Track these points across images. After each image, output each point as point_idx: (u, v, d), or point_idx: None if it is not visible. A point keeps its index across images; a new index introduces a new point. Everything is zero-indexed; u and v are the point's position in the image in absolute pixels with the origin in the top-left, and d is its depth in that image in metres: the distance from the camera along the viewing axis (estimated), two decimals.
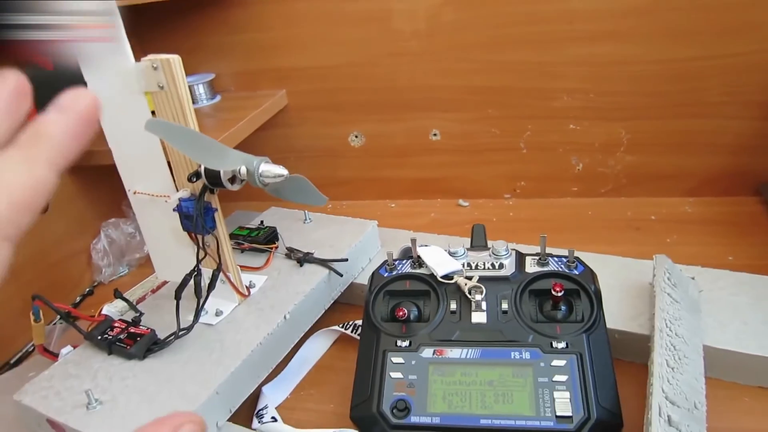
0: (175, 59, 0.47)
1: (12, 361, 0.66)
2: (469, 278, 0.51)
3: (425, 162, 0.87)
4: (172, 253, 0.56)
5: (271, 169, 0.47)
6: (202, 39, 0.86)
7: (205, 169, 0.49)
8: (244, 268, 0.62)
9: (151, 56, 0.47)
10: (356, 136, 0.88)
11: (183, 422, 0.23)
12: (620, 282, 0.59)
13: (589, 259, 0.59)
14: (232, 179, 0.49)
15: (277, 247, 0.65)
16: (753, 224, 0.74)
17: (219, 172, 0.48)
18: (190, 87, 0.84)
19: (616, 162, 0.81)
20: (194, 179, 0.49)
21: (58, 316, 0.61)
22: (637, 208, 0.80)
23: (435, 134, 0.85)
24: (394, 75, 0.82)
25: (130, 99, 0.50)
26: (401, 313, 0.50)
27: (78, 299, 0.76)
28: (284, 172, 0.47)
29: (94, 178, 0.78)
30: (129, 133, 0.51)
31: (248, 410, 0.52)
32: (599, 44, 0.74)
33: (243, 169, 0.47)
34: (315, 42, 0.82)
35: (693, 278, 0.58)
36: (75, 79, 0.64)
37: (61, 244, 0.75)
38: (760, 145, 0.75)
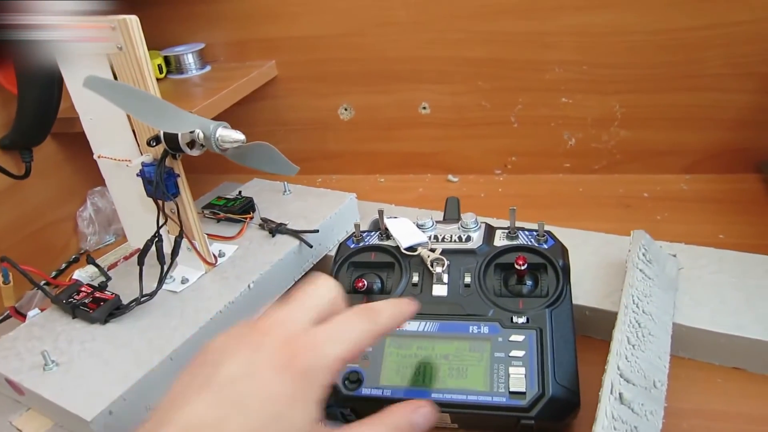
0: (133, 20, 0.46)
1: None
2: (433, 251, 0.50)
3: (415, 135, 0.85)
4: (140, 219, 0.56)
5: (229, 134, 0.46)
6: (192, 7, 0.85)
7: (164, 133, 0.48)
8: (216, 237, 0.61)
9: (109, 17, 0.47)
10: (345, 109, 0.86)
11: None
12: (599, 258, 0.57)
13: (571, 235, 0.57)
14: (191, 144, 0.48)
15: (252, 218, 0.64)
16: (751, 202, 0.71)
17: (177, 135, 0.47)
18: (179, 56, 0.84)
19: (609, 137, 0.78)
20: (154, 143, 0.48)
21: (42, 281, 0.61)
22: (630, 185, 0.77)
23: (424, 107, 0.83)
24: (382, 45, 0.80)
25: (94, 60, 0.49)
26: (360, 284, 0.49)
27: (63, 266, 0.77)
28: (241, 137, 0.46)
29: (80, 144, 0.77)
30: (93, 96, 0.50)
31: None
32: (594, 13, 0.71)
33: (200, 134, 0.47)
34: (304, 11, 0.81)
35: (674, 255, 0.55)
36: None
37: (46, 211, 0.75)
38: (762, 120, 0.71)
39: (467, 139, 0.83)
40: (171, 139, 0.48)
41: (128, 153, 0.52)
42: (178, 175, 0.51)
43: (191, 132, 0.47)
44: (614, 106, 0.76)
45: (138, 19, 0.46)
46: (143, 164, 0.51)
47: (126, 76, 0.48)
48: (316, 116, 0.88)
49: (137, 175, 0.51)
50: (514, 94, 0.78)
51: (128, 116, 0.51)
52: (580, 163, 0.80)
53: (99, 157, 0.53)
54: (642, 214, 0.71)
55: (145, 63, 0.47)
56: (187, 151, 0.48)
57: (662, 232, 0.59)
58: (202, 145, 0.48)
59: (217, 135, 0.46)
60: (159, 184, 0.49)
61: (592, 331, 0.52)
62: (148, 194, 0.52)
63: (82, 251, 0.79)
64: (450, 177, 0.85)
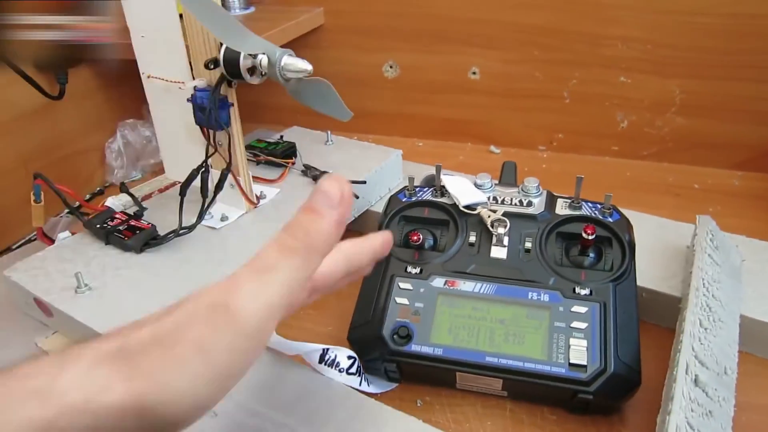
0: None
1: (14, 247, 0.64)
2: (494, 211, 0.47)
3: (460, 101, 0.82)
4: (183, 149, 0.53)
5: (294, 63, 0.43)
6: None
7: (224, 56, 0.45)
8: (257, 179, 0.59)
9: None
10: (391, 67, 0.83)
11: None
12: (655, 241, 0.54)
13: (625, 214, 0.54)
14: (252, 70, 0.45)
15: (293, 163, 0.61)
16: None
17: (238, 59, 0.44)
18: None
19: (664, 123, 0.75)
20: (212, 66, 0.45)
21: (65, 210, 0.59)
22: (680, 174, 0.74)
23: (474, 72, 0.79)
24: (437, 2, 0.76)
25: None
26: (415, 238, 0.46)
27: (87, 197, 0.74)
28: (308, 67, 0.43)
29: (115, 73, 0.74)
30: (148, 10, 0.47)
31: None
32: None
33: (264, 60, 0.44)
34: None
35: (737, 246, 0.53)
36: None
37: (75, 138, 0.72)
38: None
39: (514, 111, 0.80)
40: (231, 63, 0.45)
41: (180, 75, 0.49)
42: (232, 104, 0.48)
43: (254, 57, 0.44)
44: (674, 90, 0.72)
45: None
46: (196, 89, 0.48)
47: None
48: (359, 71, 0.84)
49: (188, 100, 0.48)
50: (570, 67, 0.75)
51: (184, 36, 0.48)
52: (629, 148, 0.77)
53: (148, 77, 0.50)
54: (693, 205, 0.68)
55: None
56: (247, 78, 0.45)
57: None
58: (263, 73, 0.45)
59: (282, 62, 0.43)
60: (212, 112, 0.46)
61: (647, 315, 0.49)
62: (197, 122, 0.49)
63: (108, 184, 0.76)
64: (492, 148, 0.82)
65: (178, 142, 0.53)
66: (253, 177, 0.58)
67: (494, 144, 0.83)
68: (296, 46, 0.81)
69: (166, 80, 0.49)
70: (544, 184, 0.53)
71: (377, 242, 0.35)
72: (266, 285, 0.24)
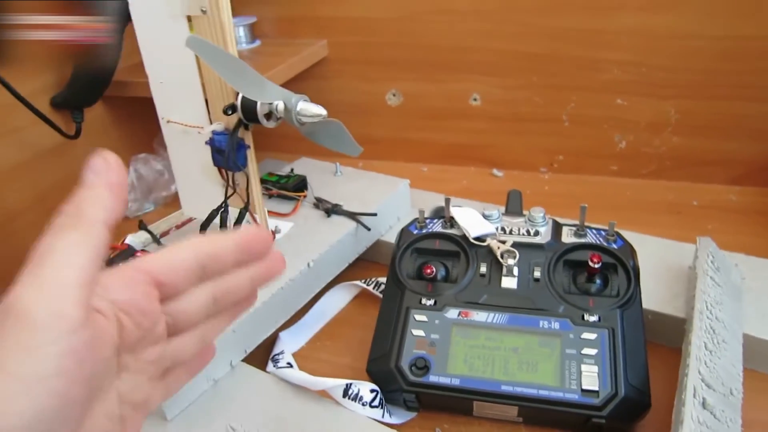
0: None
1: None
2: (503, 242, 0.49)
3: (462, 127, 0.84)
4: (200, 189, 0.55)
5: (309, 108, 0.46)
6: None
7: (242, 102, 0.47)
8: (270, 213, 0.61)
9: None
10: (394, 95, 0.85)
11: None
12: (658, 262, 0.56)
13: (627, 237, 0.56)
14: (268, 115, 0.47)
15: (305, 196, 0.63)
16: None
17: (255, 105, 0.46)
18: None
19: (661, 143, 0.77)
20: (230, 112, 0.47)
21: None
22: (678, 192, 0.76)
23: (475, 99, 0.82)
24: (438, 33, 0.79)
25: (171, 22, 0.48)
26: (429, 271, 0.48)
27: None
28: (323, 111, 0.45)
29: (128, 109, 0.77)
30: (167, 58, 0.50)
31: (264, 353, 0.52)
32: (657, 14, 0.70)
33: (280, 105, 0.46)
34: None
35: (736, 265, 0.55)
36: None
37: None
38: None
39: (515, 135, 0.82)
40: (248, 109, 0.47)
41: (198, 119, 0.51)
42: (248, 147, 0.50)
43: (270, 103, 0.46)
44: (669, 111, 0.75)
45: None
46: (214, 133, 0.50)
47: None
48: (363, 100, 0.87)
49: (206, 143, 0.50)
50: (568, 92, 0.77)
51: (202, 82, 0.50)
52: (628, 167, 0.80)
53: (168, 122, 0.52)
54: (692, 222, 0.70)
55: (229, 29, 0.46)
56: (264, 122, 0.47)
57: (715, 242, 0.59)
58: (279, 117, 0.47)
59: (298, 108, 0.45)
60: (230, 154, 0.48)
61: (653, 336, 0.51)
62: (216, 164, 0.51)
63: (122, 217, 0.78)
64: (495, 171, 0.84)
65: (195, 181, 0.55)
66: (267, 212, 0.60)
67: (496, 167, 0.85)
68: (302, 77, 0.84)
69: (185, 125, 0.51)
70: (547, 206, 0.55)
71: (239, 235, 0.30)
72: (43, 270, 0.22)
